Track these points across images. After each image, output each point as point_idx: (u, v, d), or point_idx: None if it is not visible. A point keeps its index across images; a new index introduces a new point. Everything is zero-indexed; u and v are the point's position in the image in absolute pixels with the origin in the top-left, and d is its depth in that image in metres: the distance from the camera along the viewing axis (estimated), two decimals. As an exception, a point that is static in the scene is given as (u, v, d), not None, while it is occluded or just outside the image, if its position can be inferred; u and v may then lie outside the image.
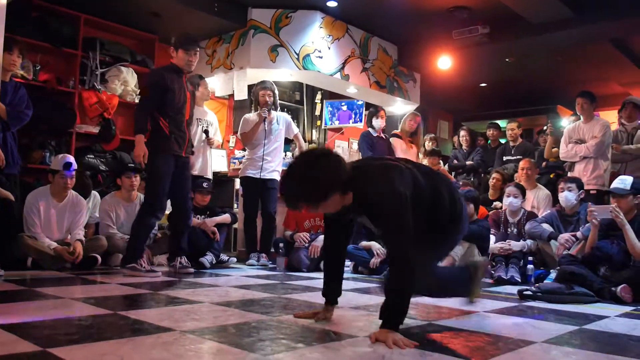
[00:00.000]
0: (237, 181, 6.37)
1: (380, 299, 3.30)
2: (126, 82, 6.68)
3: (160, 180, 4.36)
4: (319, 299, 3.20)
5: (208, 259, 4.95)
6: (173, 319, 2.44)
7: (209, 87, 5.93)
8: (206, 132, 5.59)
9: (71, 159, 4.68)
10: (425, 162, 7.21)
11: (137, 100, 6.81)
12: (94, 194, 5.39)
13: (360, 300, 3.29)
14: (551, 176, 6.13)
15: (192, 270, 4.49)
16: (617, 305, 3.44)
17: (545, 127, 7.02)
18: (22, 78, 5.32)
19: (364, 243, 5.00)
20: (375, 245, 4.91)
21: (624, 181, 4.06)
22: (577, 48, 7.45)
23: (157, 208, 4.40)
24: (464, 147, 7.38)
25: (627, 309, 3.32)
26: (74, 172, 4.62)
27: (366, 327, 2.40)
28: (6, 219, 3.89)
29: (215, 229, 5.16)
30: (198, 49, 4.52)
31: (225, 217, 5.37)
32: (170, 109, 4.36)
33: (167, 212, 5.83)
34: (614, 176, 4.70)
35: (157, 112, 4.34)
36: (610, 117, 6.36)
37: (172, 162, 4.39)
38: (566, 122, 6.77)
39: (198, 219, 5.20)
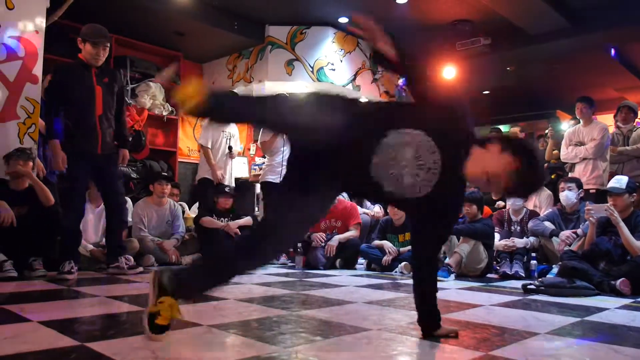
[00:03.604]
0: (258, 186, 6.39)
1: (393, 295, 3.30)
2: (154, 96, 6.75)
3: (72, 182, 3.98)
4: (334, 294, 3.22)
5: (232, 259, 4.96)
6: (200, 314, 2.45)
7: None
8: (230, 148, 5.64)
9: None
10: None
11: (164, 112, 6.89)
12: (126, 200, 5.44)
13: (373, 295, 3.27)
14: (552, 177, 6.07)
15: (141, 268, 4.19)
16: (616, 297, 3.40)
17: (546, 132, 6.96)
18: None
19: (377, 242, 4.99)
20: (387, 244, 4.89)
21: (619, 181, 4.02)
22: (573, 56, 7.39)
23: (70, 210, 3.96)
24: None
25: (626, 301, 3.28)
26: None
27: (379, 321, 2.39)
28: (52, 224, 3.94)
29: (238, 230, 5.17)
30: (108, 44, 4.04)
31: (247, 220, 5.38)
32: (74, 106, 3.92)
33: (192, 215, 5.90)
34: (612, 176, 4.64)
35: (62, 112, 3.93)
36: (607, 121, 6.28)
37: (85, 161, 3.94)
38: (566, 126, 6.71)
39: (222, 221, 5.22)
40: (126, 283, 3.64)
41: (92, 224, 4.70)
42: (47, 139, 3.95)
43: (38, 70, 4.37)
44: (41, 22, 4.40)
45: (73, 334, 1.97)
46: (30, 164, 3.93)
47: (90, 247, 4.52)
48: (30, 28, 4.33)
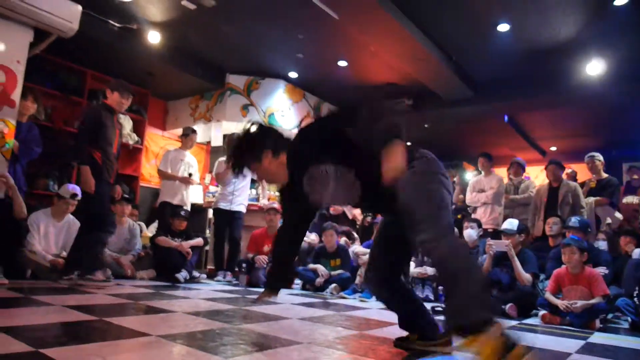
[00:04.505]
0: (210, 211, 6.26)
1: (323, 312, 3.27)
2: (123, 126, 6.53)
3: (105, 203, 4.09)
4: (272, 311, 3.15)
5: (183, 275, 4.79)
6: (150, 325, 2.34)
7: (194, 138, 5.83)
8: (190, 174, 5.55)
9: (77, 189, 4.50)
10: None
11: (130, 142, 6.67)
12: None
13: (306, 313, 3.23)
14: (458, 217, 6.27)
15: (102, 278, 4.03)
16: (505, 319, 3.50)
17: (454, 179, 7.23)
18: (35, 119, 5.12)
19: (311, 265, 4.96)
20: (320, 268, 4.87)
21: (511, 223, 4.21)
22: (477, 120, 7.79)
23: (108, 224, 4.08)
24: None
25: (514, 322, 3.41)
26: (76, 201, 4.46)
27: (310, 335, 2.36)
28: (16, 236, 3.69)
29: (190, 249, 5.01)
30: (131, 96, 4.23)
31: (199, 241, 5.23)
32: (103, 142, 4.01)
33: (149, 234, 5.67)
34: (505, 219, 4.86)
35: (90, 145, 3.96)
36: (502, 173, 6.62)
37: (107, 188, 4.08)
38: (470, 175, 7.00)
39: (176, 241, 5.05)
40: (81, 294, 3.42)
41: (54, 237, 4.41)
42: (80, 164, 3.97)
43: (16, 95, 4.13)
44: (24, 53, 4.20)
45: (28, 340, 1.82)
46: None
47: (50, 257, 4.23)
48: (13, 58, 4.11)
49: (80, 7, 4.43)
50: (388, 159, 1.66)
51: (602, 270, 3.86)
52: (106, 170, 4.04)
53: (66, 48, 5.22)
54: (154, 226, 6.08)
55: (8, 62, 4.09)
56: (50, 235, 4.38)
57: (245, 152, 2.01)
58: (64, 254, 4.34)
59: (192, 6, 4.99)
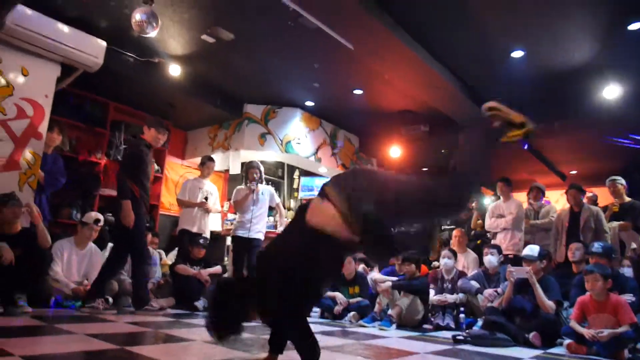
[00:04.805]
0: (229, 239, 6.29)
1: (342, 341, 3.23)
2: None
3: (143, 237, 4.31)
4: (291, 339, 3.12)
5: (201, 303, 4.79)
6: (169, 354, 2.34)
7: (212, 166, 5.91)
8: (206, 198, 5.60)
9: (100, 216, 4.63)
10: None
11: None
12: (110, 245, 5.24)
13: (325, 341, 3.19)
14: (478, 242, 6.18)
15: (115, 310, 4.18)
16: (529, 349, 3.43)
17: (472, 205, 7.15)
18: (60, 150, 5.28)
19: (330, 293, 4.92)
20: (339, 295, 4.83)
21: (533, 249, 4.13)
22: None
23: (147, 257, 4.42)
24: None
25: (538, 352, 3.31)
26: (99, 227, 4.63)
27: (329, 364, 2.33)
28: (40, 264, 3.77)
29: (209, 277, 5.03)
30: (167, 132, 4.48)
31: (217, 268, 5.24)
32: (143, 177, 4.20)
33: (169, 261, 5.71)
34: (526, 244, 4.78)
35: (130, 180, 4.13)
36: (522, 198, 6.54)
37: (144, 221, 4.27)
38: (488, 200, 6.92)
39: (195, 269, 5.08)
40: (102, 322, 3.45)
41: (76, 265, 4.49)
42: (121, 199, 4.07)
43: (43, 128, 4.31)
44: (51, 88, 4.38)
45: (51, 369, 1.85)
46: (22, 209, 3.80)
47: (73, 285, 4.29)
48: (41, 92, 4.29)
49: (105, 43, 4.62)
50: None
51: (628, 297, 3.75)
52: (143, 203, 4.20)
53: (91, 81, 5.41)
54: (173, 254, 6.13)
55: (36, 96, 4.27)
56: (72, 262, 4.46)
57: (235, 323, 2.04)
58: (86, 282, 4.41)
59: (211, 40, 5.15)
